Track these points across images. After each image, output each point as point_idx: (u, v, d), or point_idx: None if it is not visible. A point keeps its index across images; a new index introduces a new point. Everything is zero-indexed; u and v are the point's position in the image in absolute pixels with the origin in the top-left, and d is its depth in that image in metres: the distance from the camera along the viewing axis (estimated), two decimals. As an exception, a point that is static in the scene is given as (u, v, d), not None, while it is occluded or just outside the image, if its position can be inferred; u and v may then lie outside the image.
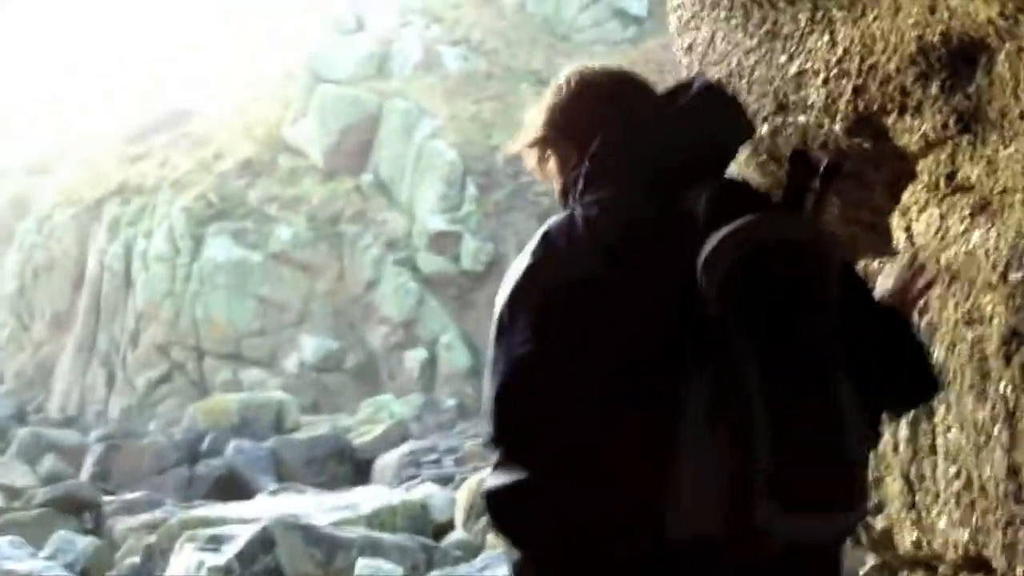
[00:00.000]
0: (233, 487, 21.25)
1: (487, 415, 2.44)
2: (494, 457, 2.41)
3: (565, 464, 2.28)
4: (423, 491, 15.79)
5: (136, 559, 12.28)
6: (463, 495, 13.75)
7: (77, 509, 19.53)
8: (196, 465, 22.75)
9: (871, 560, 3.62)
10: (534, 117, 2.62)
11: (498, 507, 2.38)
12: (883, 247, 3.20)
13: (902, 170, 3.05)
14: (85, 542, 14.05)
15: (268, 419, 25.05)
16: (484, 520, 12.71)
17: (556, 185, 2.60)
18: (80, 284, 34.16)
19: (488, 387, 2.45)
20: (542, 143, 2.61)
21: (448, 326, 27.65)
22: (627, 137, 2.49)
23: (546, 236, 2.45)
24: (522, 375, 2.37)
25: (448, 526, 13.94)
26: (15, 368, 36.14)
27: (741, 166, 3.29)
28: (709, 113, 2.54)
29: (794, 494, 2.10)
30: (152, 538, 12.16)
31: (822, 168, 2.61)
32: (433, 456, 20.51)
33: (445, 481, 17.18)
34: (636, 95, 2.59)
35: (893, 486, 3.32)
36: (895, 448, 3.31)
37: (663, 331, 2.26)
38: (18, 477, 23.29)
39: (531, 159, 2.65)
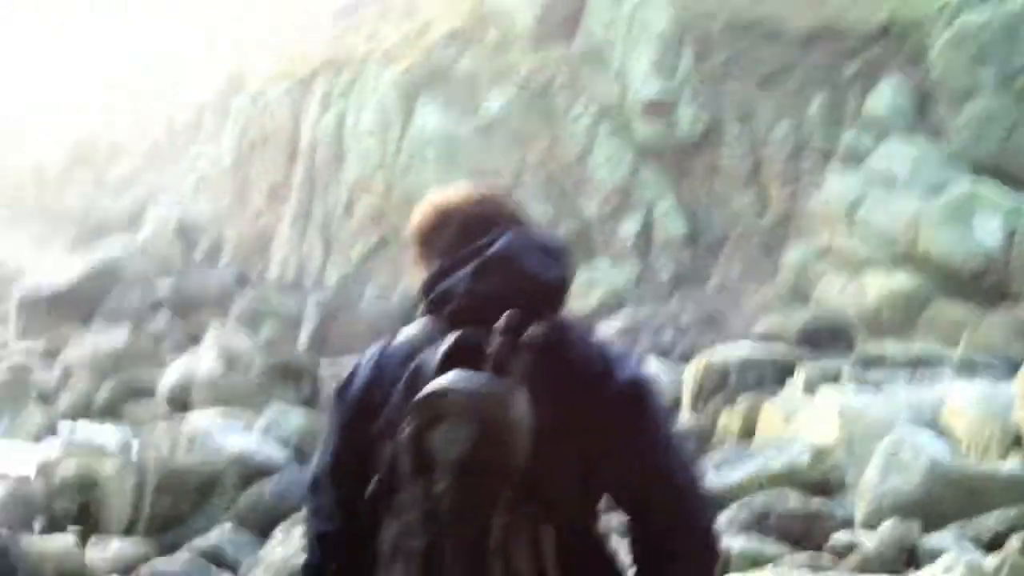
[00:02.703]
0: (448, 354, 21.08)
1: None
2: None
3: None
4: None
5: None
6: (692, 372, 12.94)
7: (295, 377, 19.69)
8: (410, 333, 22.67)
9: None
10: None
11: None
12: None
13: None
14: (299, 416, 13.92)
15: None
16: (717, 399, 12.05)
17: None
18: (294, 157, 34.41)
19: None
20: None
21: (664, 194, 26.82)
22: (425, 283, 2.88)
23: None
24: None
25: (674, 405, 13.18)
26: (235, 238, 36.78)
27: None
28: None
29: None
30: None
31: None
32: (652, 325, 19.94)
33: (665, 352, 16.58)
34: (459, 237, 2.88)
35: None
36: None
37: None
38: (239, 343, 23.62)
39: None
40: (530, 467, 2.48)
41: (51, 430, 19.30)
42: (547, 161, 28.87)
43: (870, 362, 11.33)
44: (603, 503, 2.78)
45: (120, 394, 20.71)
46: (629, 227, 26.42)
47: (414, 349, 2.76)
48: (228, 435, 12.46)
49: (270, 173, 35.48)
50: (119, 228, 43.91)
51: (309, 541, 2.97)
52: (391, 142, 30.76)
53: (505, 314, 2.60)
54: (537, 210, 27.87)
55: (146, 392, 20.76)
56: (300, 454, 12.93)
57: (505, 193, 3.08)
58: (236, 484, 11.42)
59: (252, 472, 11.88)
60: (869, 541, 6.47)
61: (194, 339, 24.99)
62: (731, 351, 13.25)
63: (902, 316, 20.96)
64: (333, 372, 19.51)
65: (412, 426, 2.52)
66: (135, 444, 15.55)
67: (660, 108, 27.40)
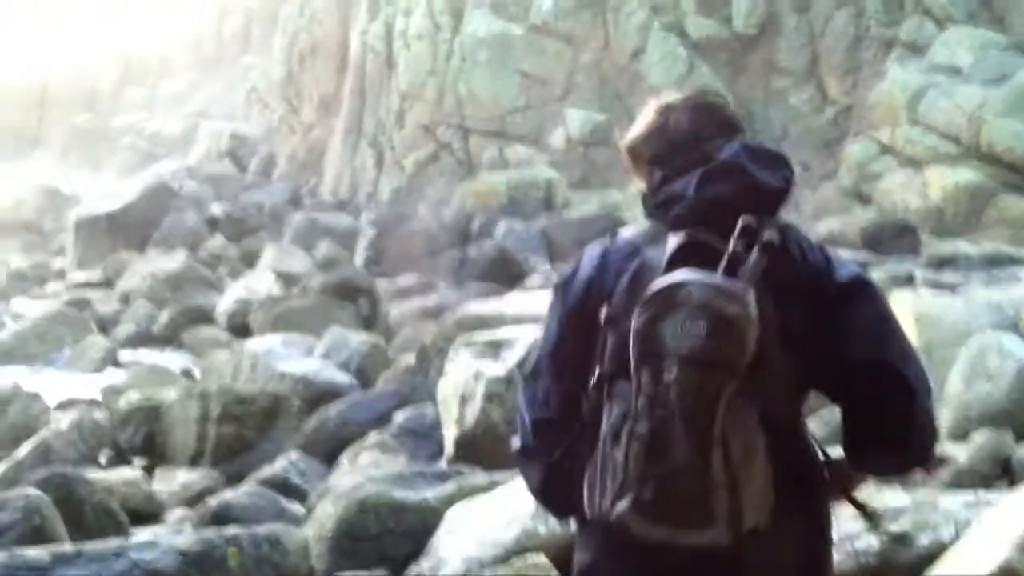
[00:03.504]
0: (505, 269, 20.96)
1: None
2: None
3: None
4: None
5: (411, 359, 11.89)
6: None
7: (352, 295, 19.58)
8: (467, 247, 22.53)
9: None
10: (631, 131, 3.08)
11: None
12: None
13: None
14: (359, 340, 13.76)
15: (537, 197, 24.54)
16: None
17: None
18: (344, 66, 34.11)
19: None
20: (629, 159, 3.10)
21: (720, 92, 26.35)
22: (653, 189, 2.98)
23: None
24: None
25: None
26: (287, 152, 36.71)
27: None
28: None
29: (648, 505, 2.60)
30: (427, 339, 11.72)
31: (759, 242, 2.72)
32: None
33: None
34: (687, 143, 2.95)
35: None
36: None
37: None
38: (295, 263, 23.59)
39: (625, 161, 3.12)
40: (755, 364, 2.59)
41: (112, 360, 19.32)
42: (600, 61, 28.44)
43: (942, 263, 10.97)
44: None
45: (179, 320, 20.69)
46: (685, 128, 25.94)
47: (637, 247, 2.88)
48: (289, 360, 12.34)
49: (321, 84, 35.28)
50: (172, 147, 43.98)
51: (523, 427, 3.05)
52: (441, 46, 30.41)
53: (743, 217, 2.72)
54: (590, 115, 27.48)
55: (205, 318, 20.74)
56: (363, 377, 12.82)
57: (723, 101, 3.11)
58: (300, 409, 11.34)
59: (315, 396, 11.79)
60: (959, 453, 6.21)
61: (250, 261, 24.96)
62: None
63: (966, 213, 20.56)
64: (389, 290, 19.41)
65: (645, 316, 2.63)
66: (196, 372, 15.51)
67: (715, 2, 26.86)
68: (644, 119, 3.06)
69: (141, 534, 8.77)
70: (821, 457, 2.89)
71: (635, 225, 3.00)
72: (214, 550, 5.82)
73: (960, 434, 6.57)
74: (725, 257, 2.67)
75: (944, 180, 21.22)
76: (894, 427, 2.80)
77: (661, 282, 2.65)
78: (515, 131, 28.98)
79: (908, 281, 9.95)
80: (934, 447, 2.91)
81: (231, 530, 6.13)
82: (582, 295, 2.94)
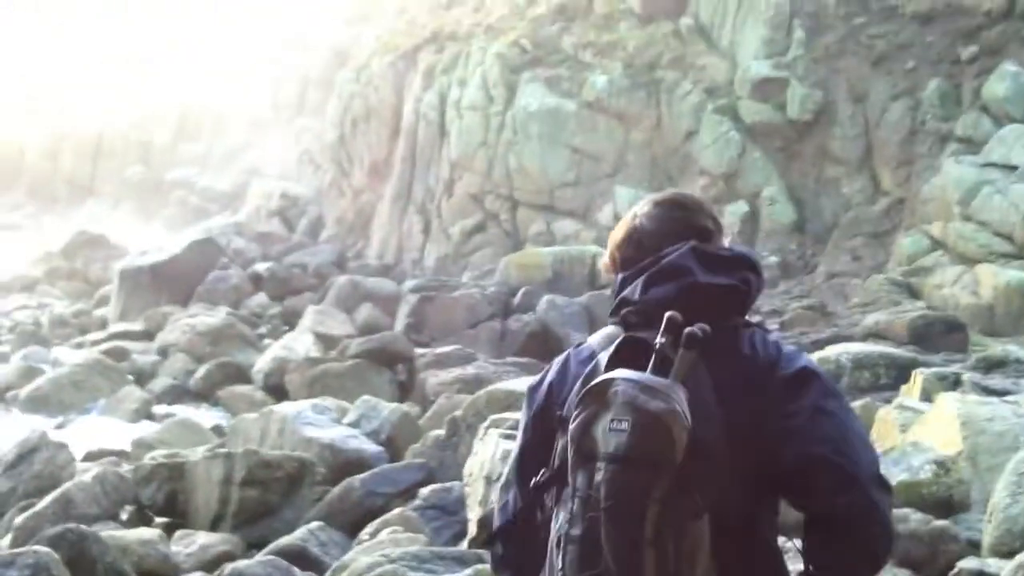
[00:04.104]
0: (545, 343, 20.74)
1: None
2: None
3: None
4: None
5: (441, 432, 11.68)
6: None
7: (390, 361, 19.45)
8: (508, 319, 22.35)
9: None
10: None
11: None
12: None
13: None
14: (390, 409, 13.57)
15: (582, 273, 24.35)
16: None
17: None
18: (397, 133, 34.26)
19: None
20: None
21: (771, 178, 26.15)
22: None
23: None
24: None
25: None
26: (336, 214, 36.83)
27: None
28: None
29: None
30: (458, 412, 11.49)
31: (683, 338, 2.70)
32: (755, 318, 19.37)
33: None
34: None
35: None
36: None
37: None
38: (336, 325, 23.48)
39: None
40: (686, 461, 2.55)
41: (146, 413, 19.27)
42: (652, 142, 28.36)
43: (991, 366, 10.67)
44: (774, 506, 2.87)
45: (215, 377, 20.63)
46: (735, 212, 25.81)
47: (593, 351, 2.93)
48: (318, 426, 12.17)
49: (372, 149, 35.43)
50: (223, 203, 44.28)
51: (493, 536, 3.10)
52: (494, 118, 30.45)
53: (666, 315, 2.73)
54: (639, 193, 27.36)
55: (242, 376, 20.67)
56: (392, 447, 12.62)
57: (693, 201, 3.12)
58: (326, 477, 11.15)
59: (342, 464, 11.60)
60: (1000, 570, 5.92)
61: (292, 321, 24.89)
62: (844, 348, 12.63)
63: (1018, 312, 20.22)
64: (428, 358, 19.24)
65: (580, 416, 2.64)
66: (226, 430, 15.37)
67: (770, 87, 26.74)
68: (621, 225, 3.12)
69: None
70: (797, 566, 2.79)
71: (598, 332, 3.03)
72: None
73: (1004, 551, 6.27)
74: (653, 355, 2.68)
75: (996, 278, 20.87)
76: (836, 523, 2.69)
77: (593, 381, 2.68)
78: (563, 206, 28.90)
79: (955, 384, 9.65)
80: (884, 543, 2.73)
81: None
82: (544, 400, 2.99)
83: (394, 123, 34.56)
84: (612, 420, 2.57)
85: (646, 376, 2.62)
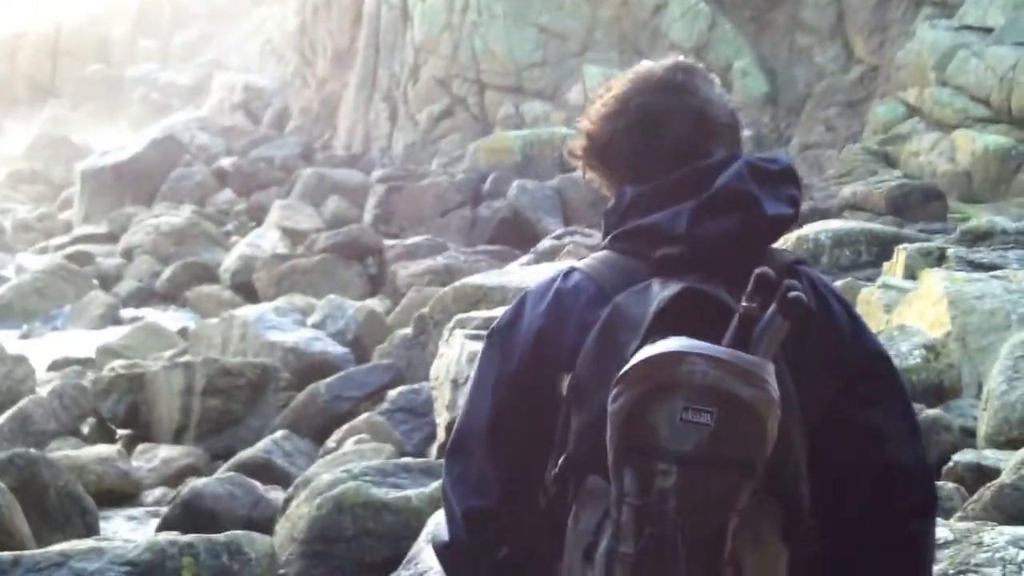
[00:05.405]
0: (517, 230, 20.36)
1: None
2: None
3: None
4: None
5: (408, 331, 11.27)
6: None
7: (359, 254, 19.05)
8: (479, 207, 21.92)
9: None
10: None
11: None
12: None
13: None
14: (355, 308, 13.13)
15: (552, 156, 23.83)
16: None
17: None
18: (359, 18, 33.46)
19: None
20: None
21: (742, 50, 25.58)
22: None
23: None
24: None
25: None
26: (301, 105, 36.12)
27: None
28: None
29: None
30: (425, 309, 11.07)
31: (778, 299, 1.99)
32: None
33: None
34: None
35: None
36: None
37: None
38: (303, 219, 23.02)
39: None
40: (773, 459, 1.97)
41: (113, 318, 18.87)
42: (620, 17, 27.70)
43: (976, 238, 10.29)
44: None
45: (182, 277, 20.18)
46: (706, 86, 25.30)
47: (604, 291, 2.17)
48: (281, 329, 11.74)
49: (335, 37, 34.63)
50: (185, 98, 43.43)
51: (451, 517, 2.31)
52: (457, 0, 29.74)
53: (758, 272, 2.01)
54: (608, 72, 26.77)
55: (209, 275, 20.22)
56: (359, 347, 12.23)
57: (715, 81, 2.36)
58: (290, 383, 10.76)
59: (306, 368, 11.21)
60: (1000, 463, 5.55)
61: (259, 217, 24.40)
62: (823, 225, 12.22)
63: (995, 178, 19.95)
64: (398, 249, 18.87)
65: (629, 396, 1.95)
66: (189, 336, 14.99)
67: (737, -43, 26.12)
68: (619, 101, 2.30)
69: (109, 523, 8.26)
70: None
71: (594, 258, 2.26)
72: (166, 560, 5.23)
73: (1002, 441, 5.91)
74: (735, 319, 1.99)
75: (973, 144, 20.59)
76: (898, 554, 2.21)
77: (650, 351, 1.96)
78: (532, 87, 28.29)
79: (939, 260, 9.27)
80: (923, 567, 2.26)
81: (186, 538, 5.53)
82: (530, 353, 2.21)
83: (356, 8, 33.73)
84: (686, 408, 1.93)
85: (732, 352, 1.96)
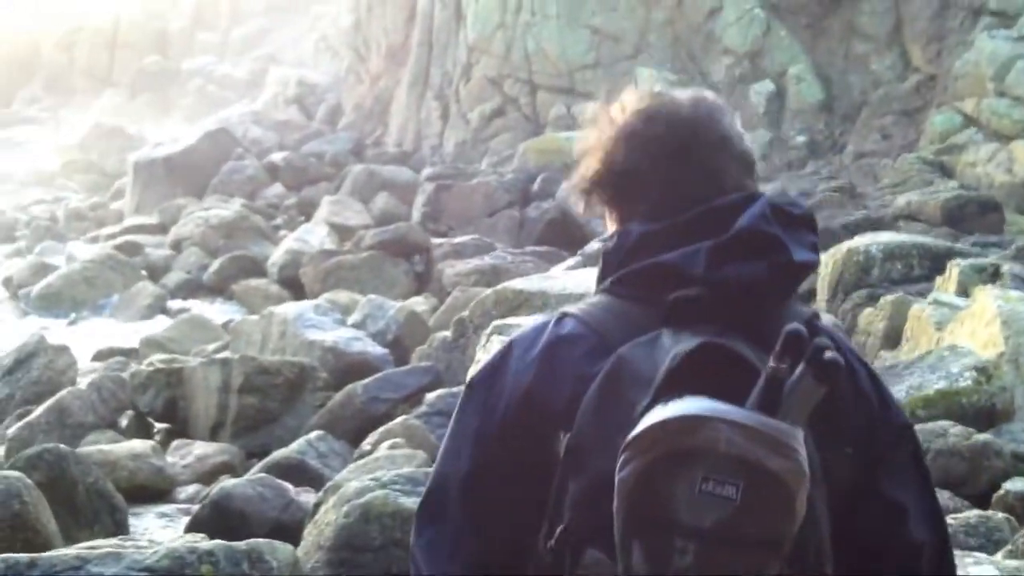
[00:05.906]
0: (565, 232, 20.22)
1: None
2: None
3: None
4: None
5: (447, 333, 11.13)
6: (831, 260, 11.51)
7: (406, 252, 18.96)
8: (527, 207, 21.80)
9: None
10: None
11: None
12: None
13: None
14: (396, 308, 13.02)
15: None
16: (858, 295, 10.86)
17: None
18: (413, 16, 33.46)
19: None
20: None
21: (797, 56, 25.30)
22: None
23: None
24: None
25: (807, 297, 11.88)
26: (354, 101, 36.15)
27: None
28: None
29: None
30: (465, 313, 10.93)
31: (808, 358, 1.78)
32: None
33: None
34: None
35: None
36: None
37: None
38: (352, 215, 22.97)
39: None
40: (799, 535, 1.80)
41: (160, 308, 18.91)
42: (674, 20, 27.49)
43: (1033, 253, 10.05)
44: None
45: (229, 270, 20.18)
46: (760, 92, 25.04)
47: (606, 341, 1.95)
48: (320, 328, 11.65)
49: (389, 34, 34.64)
50: (241, 92, 43.61)
51: None
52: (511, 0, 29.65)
53: (788, 330, 1.79)
54: (661, 75, 26.61)
55: (256, 269, 20.20)
56: (399, 348, 12.12)
57: (736, 116, 2.17)
58: (328, 382, 10.66)
59: (344, 369, 11.10)
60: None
61: (308, 212, 24.37)
62: (873, 238, 11.95)
63: (1055, 189, 19.64)
64: (444, 251, 18.78)
65: (642, 463, 1.75)
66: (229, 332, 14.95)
67: (795, -38, 25.85)
68: (644, 129, 2.09)
69: (140, 519, 8.18)
70: None
71: (591, 304, 2.05)
72: (185, 568, 5.11)
73: (1053, 468, 5.72)
74: (761, 380, 1.78)
75: (1032, 155, 20.27)
76: None
77: (666, 413, 1.77)
78: (583, 88, 28.12)
79: (993, 276, 9.03)
80: None
81: (207, 544, 5.43)
82: (515, 409, 1.99)
83: (410, 6, 33.71)
84: (706, 479, 1.74)
85: (758, 418, 1.76)
